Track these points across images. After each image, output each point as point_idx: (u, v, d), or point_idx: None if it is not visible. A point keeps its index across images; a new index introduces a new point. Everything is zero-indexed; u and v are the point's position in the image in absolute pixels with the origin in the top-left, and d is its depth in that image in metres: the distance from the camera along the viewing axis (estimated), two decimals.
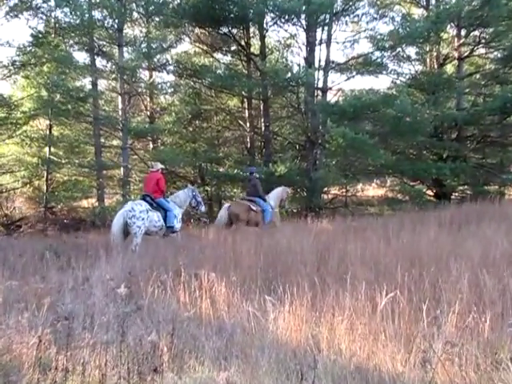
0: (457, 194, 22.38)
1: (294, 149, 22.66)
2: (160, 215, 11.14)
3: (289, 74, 18.69)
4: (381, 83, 27.79)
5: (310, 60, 19.49)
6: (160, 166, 12.10)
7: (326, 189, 20.86)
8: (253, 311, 4.98)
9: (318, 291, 5.36)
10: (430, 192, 21.65)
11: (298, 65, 21.31)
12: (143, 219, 10.67)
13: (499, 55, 21.95)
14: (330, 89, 20.86)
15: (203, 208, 12.85)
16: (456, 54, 21.44)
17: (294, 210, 18.92)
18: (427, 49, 21.98)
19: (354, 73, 20.70)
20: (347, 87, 23.62)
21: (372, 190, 26.55)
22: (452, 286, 5.17)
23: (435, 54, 22.06)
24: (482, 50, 22.73)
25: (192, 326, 4.91)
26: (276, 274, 6.53)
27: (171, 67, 20.85)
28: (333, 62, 20.39)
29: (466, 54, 21.76)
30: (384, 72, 21.21)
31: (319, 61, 20.15)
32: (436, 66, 21.88)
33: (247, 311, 5.08)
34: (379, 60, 20.16)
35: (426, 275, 5.61)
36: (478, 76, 23.02)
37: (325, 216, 16.48)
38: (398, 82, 22.46)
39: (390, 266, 6.17)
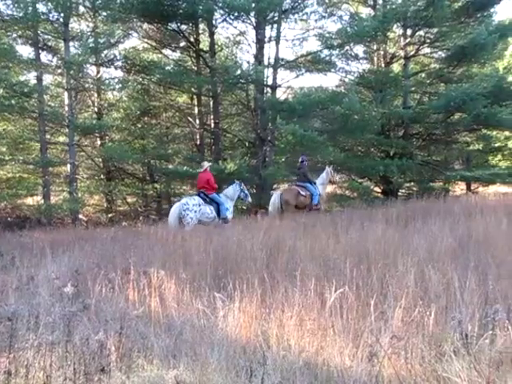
0: (403, 191, 22.84)
1: (244, 146, 22.70)
2: (213, 208, 13.09)
3: (238, 71, 18.70)
4: (329, 81, 28.31)
5: (259, 57, 19.53)
6: (207, 164, 13.99)
7: (275, 186, 20.95)
8: (202, 308, 4.97)
9: (268, 288, 5.37)
10: (377, 189, 22.03)
11: (248, 62, 21.45)
12: (195, 212, 12.64)
13: (443, 55, 22.45)
14: (280, 86, 20.96)
15: (250, 199, 14.75)
16: (402, 53, 21.84)
17: (244, 207, 18.93)
18: (374, 48, 22.33)
19: (303, 70, 20.86)
20: (296, 85, 23.79)
21: None
22: (399, 280, 5.26)
23: (382, 52, 22.43)
24: (427, 50, 23.22)
25: (141, 324, 4.85)
26: (226, 271, 6.52)
27: (119, 63, 20.53)
28: (282, 59, 20.47)
29: (411, 54, 22.18)
30: (332, 70, 21.47)
31: (269, 58, 20.24)
32: (383, 65, 22.24)
33: (197, 308, 5.06)
34: (328, 58, 20.39)
35: (374, 271, 5.69)
36: (423, 75, 23.53)
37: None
38: (347, 80, 22.76)
39: (338, 261, 6.22)
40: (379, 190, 21.94)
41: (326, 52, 20.07)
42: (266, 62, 19.78)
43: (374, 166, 19.19)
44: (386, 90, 20.87)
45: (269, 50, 21.67)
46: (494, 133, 24.48)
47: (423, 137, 22.49)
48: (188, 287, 5.69)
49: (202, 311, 4.94)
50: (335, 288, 4.73)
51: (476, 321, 4.22)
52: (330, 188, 22.81)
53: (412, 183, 23.04)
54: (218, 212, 13.17)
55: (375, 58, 23.06)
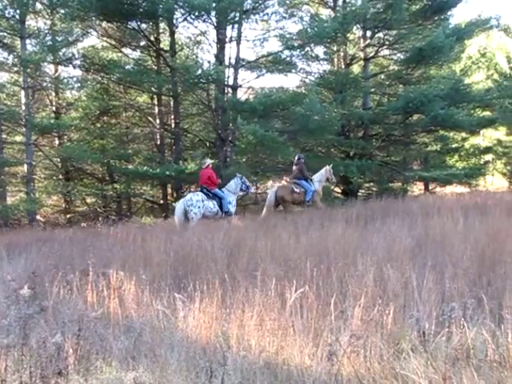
0: (363, 191, 23.11)
1: (205, 146, 22.59)
2: (216, 203, 13.61)
3: (199, 71, 18.59)
4: (290, 82, 28.48)
5: (220, 57, 19.48)
6: (209, 161, 14.37)
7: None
8: (162, 309, 4.93)
9: (229, 288, 5.36)
10: (337, 189, 22.20)
11: (209, 62, 21.31)
12: (199, 207, 13.18)
13: (402, 57, 22.80)
14: (241, 86, 20.95)
15: (252, 190, 15.97)
16: (362, 55, 22.09)
17: None
18: (335, 49, 22.52)
19: (264, 71, 20.86)
20: (257, 85, 23.73)
21: None
22: (358, 280, 5.30)
23: (342, 54, 22.65)
24: (386, 52, 23.56)
25: (99, 326, 4.79)
26: (186, 271, 6.49)
27: (78, 61, 20.20)
28: (243, 59, 20.45)
29: (371, 55, 22.45)
30: (293, 71, 21.55)
31: (229, 58, 20.17)
32: (343, 66, 22.46)
33: (157, 309, 5.02)
34: (288, 59, 20.41)
35: (334, 270, 5.73)
36: (382, 76, 23.86)
37: (235, 213, 16.56)
38: (307, 80, 22.93)
39: (299, 261, 6.25)
40: (339, 191, 22.14)
41: (286, 53, 20.10)
42: (226, 62, 19.74)
43: (334, 167, 19.32)
44: (346, 90, 21.09)
45: (230, 50, 21.54)
46: (451, 134, 24.95)
47: (382, 137, 22.79)
48: (148, 288, 5.64)
49: (162, 312, 4.90)
50: (295, 288, 4.74)
51: (433, 319, 4.30)
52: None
53: (371, 183, 23.34)
54: (221, 206, 13.70)
55: (335, 59, 23.26)
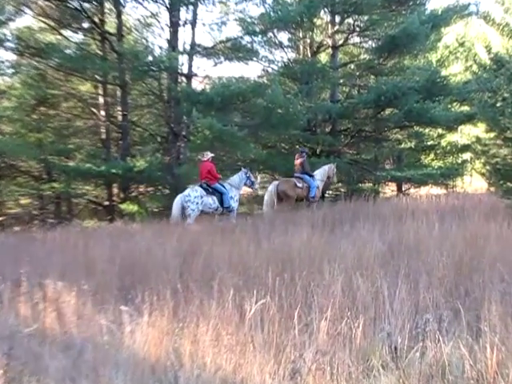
0: (331, 192, 23.26)
1: (156, 141, 22.44)
2: (215, 198, 14.41)
3: (150, 57, 18.47)
4: (251, 71, 28.34)
5: (173, 42, 19.37)
6: (210, 155, 14.93)
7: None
8: (107, 324, 4.89)
9: (181, 299, 5.35)
10: None
11: (160, 47, 21.21)
12: (197, 203, 13.97)
13: (374, 45, 22.92)
14: (196, 75, 20.84)
15: (257, 186, 16.57)
16: (330, 42, 22.23)
17: (155, 210, 18.77)
18: (300, 35, 22.65)
19: (222, 58, 20.79)
20: (214, 74, 23.66)
21: None
22: (325, 290, 5.34)
23: (309, 41, 22.77)
24: (356, 39, 23.72)
25: (34, 343, 4.72)
26: (134, 281, 6.45)
27: (11, 44, 19.79)
28: (199, 45, 20.33)
29: (340, 43, 22.62)
30: (254, 59, 21.55)
31: (184, 44, 20.05)
32: (309, 54, 22.58)
33: (100, 324, 4.97)
34: (249, 45, 20.40)
35: (298, 279, 5.76)
36: (352, 66, 24.01)
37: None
38: (270, 70, 22.94)
39: (260, 270, 6.27)
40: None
41: (247, 39, 20.08)
42: (180, 48, 19.62)
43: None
44: (313, 81, 21.18)
45: (184, 35, 21.54)
46: (427, 130, 25.24)
47: (352, 133, 22.98)
48: (90, 300, 5.58)
49: (107, 327, 4.85)
50: (256, 299, 4.75)
51: (406, 332, 4.36)
52: (246, 188, 23.00)
53: (340, 184, 23.47)
54: (222, 202, 14.50)
55: (301, 47, 23.39)
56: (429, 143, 26.25)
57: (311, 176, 16.66)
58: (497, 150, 22.32)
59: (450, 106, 22.79)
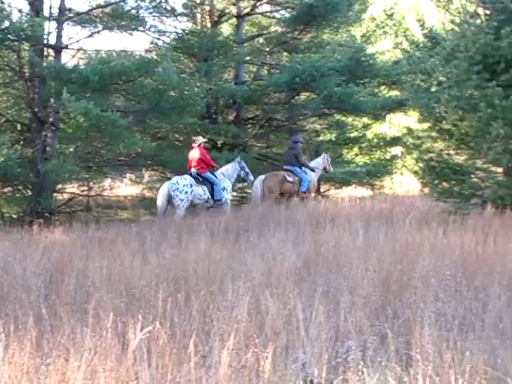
0: (235, 194, 23.34)
1: (14, 130, 21.86)
2: (206, 189, 15.64)
3: (6, 23, 17.98)
4: (137, 44, 28.01)
5: (37, 5, 18.89)
6: (201, 140, 16.72)
7: (59, 186, 20.45)
8: None
9: (47, 328, 5.25)
10: (201, 191, 22.27)
11: (20, 11, 20.62)
12: (186, 193, 15.07)
13: (287, 15, 23.13)
14: (67, 47, 20.42)
15: (252, 177, 17.46)
16: (234, 11, 22.27)
17: (14, 216, 18.31)
18: (198, 1, 22.58)
19: (100, 27, 20.46)
20: (91, 47, 23.26)
21: (124, 188, 26.59)
22: (227, 313, 5.36)
23: (208, 8, 22.72)
24: (266, 7, 23.91)
25: None
26: None
27: None
28: (70, 9, 19.95)
29: (246, 11, 22.67)
30: (141, 28, 21.28)
31: (50, 7, 19.58)
32: (209, 25, 22.55)
33: None
34: (134, 12, 20.20)
35: (195, 301, 5.76)
36: (261, 40, 24.10)
37: (58, 223, 16.23)
38: (160, 43, 22.76)
39: (147, 289, 6.24)
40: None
41: (131, 3, 19.90)
42: (46, 13, 19.18)
43: None
44: (213, 58, 21.22)
45: None
46: (350, 119, 25.69)
47: (261, 122, 23.17)
48: None
49: None
50: (142, 325, 4.73)
51: (324, 363, 4.43)
52: (138, 189, 22.83)
53: (246, 183, 23.60)
54: (212, 193, 15.73)
55: (198, 16, 23.33)
56: (352, 135, 26.62)
57: (303, 168, 18.04)
58: (431, 143, 23.07)
59: (376, 91, 23.31)
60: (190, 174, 15.65)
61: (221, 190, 15.94)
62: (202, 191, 15.51)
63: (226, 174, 16.62)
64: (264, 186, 17.27)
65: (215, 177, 16.06)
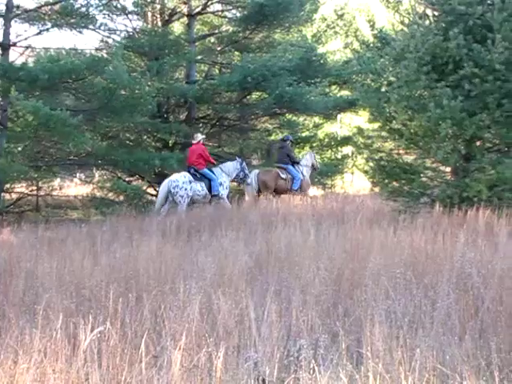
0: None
1: None
2: (204, 185, 16.29)
3: None
4: (87, 42, 27.82)
5: None
6: (201, 136, 17.23)
7: (8, 185, 20.18)
8: None
9: None
10: (152, 190, 22.18)
11: None
12: (186, 189, 15.75)
13: (238, 14, 23.19)
14: (15, 45, 20.19)
15: (249, 180, 17.91)
16: (185, 9, 22.23)
17: None
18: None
19: (49, 25, 20.26)
20: (40, 44, 23.08)
21: (74, 188, 26.37)
22: (178, 313, 5.35)
23: (159, 6, 22.65)
24: (217, 6, 23.88)
25: None
26: None
27: None
28: (18, 7, 19.70)
29: (197, 10, 22.63)
30: (91, 26, 21.10)
31: None
32: (160, 24, 22.47)
33: None
34: (84, 9, 20.02)
35: (146, 301, 5.74)
36: (212, 39, 24.16)
37: (7, 224, 15.99)
38: (111, 41, 22.59)
39: (98, 290, 6.19)
40: (154, 193, 22.15)
41: (80, 1, 19.75)
42: None
43: (147, 160, 19.25)
44: (164, 57, 21.12)
45: None
46: (301, 119, 25.81)
47: (212, 122, 23.16)
48: None
49: None
50: (92, 326, 4.69)
51: (276, 361, 4.45)
52: (89, 189, 22.60)
53: None
54: (210, 189, 16.38)
55: (149, 14, 23.21)
56: (303, 134, 26.71)
57: (296, 166, 18.63)
58: (381, 143, 23.29)
59: (327, 91, 23.49)
60: (188, 171, 16.32)
61: (218, 185, 16.55)
62: (200, 187, 16.16)
63: (224, 169, 17.22)
64: (259, 181, 17.75)
65: (212, 173, 16.68)
